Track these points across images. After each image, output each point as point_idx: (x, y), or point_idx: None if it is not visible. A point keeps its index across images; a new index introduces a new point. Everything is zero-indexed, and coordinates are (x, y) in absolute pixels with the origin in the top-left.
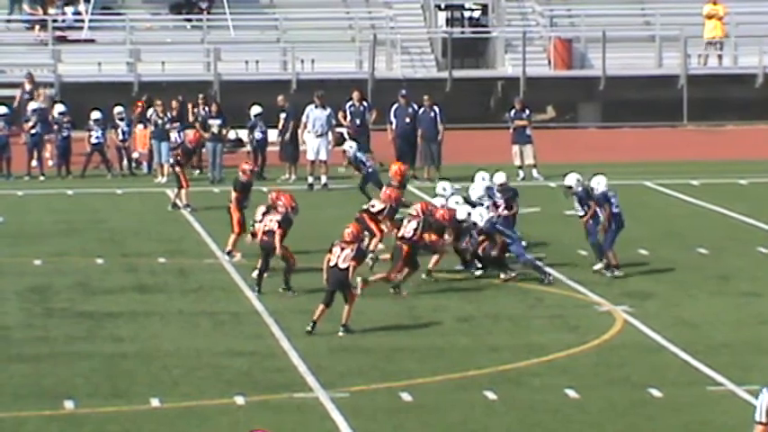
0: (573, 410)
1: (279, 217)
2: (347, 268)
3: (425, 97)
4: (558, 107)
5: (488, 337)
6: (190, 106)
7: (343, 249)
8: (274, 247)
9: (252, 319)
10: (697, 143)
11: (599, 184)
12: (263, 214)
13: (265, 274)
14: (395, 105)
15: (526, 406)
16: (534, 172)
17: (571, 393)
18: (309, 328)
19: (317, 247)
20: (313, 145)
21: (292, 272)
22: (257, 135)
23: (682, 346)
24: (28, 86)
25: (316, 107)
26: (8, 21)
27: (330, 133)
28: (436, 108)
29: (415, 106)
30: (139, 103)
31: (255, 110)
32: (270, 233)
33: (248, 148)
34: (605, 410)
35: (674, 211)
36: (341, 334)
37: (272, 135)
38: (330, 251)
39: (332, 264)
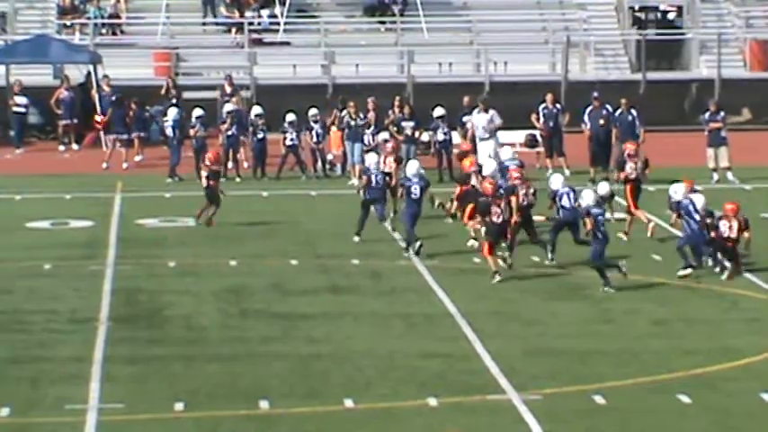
0: None
1: None
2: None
3: (623, 101)
4: (754, 109)
5: (682, 340)
6: (391, 111)
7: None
8: None
9: (445, 321)
10: None
11: (676, 192)
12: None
13: None
14: (588, 108)
15: (721, 410)
16: (729, 175)
17: (767, 398)
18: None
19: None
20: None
21: None
22: (440, 137)
23: None
24: (228, 89)
25: (478, 112)
26: (204, 24)
27: (497, 135)
28: (633, 111)
29: (609, 108)
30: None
31: (438, 112)
32: None
33: (432, 149)
34: None
35: None
36: None
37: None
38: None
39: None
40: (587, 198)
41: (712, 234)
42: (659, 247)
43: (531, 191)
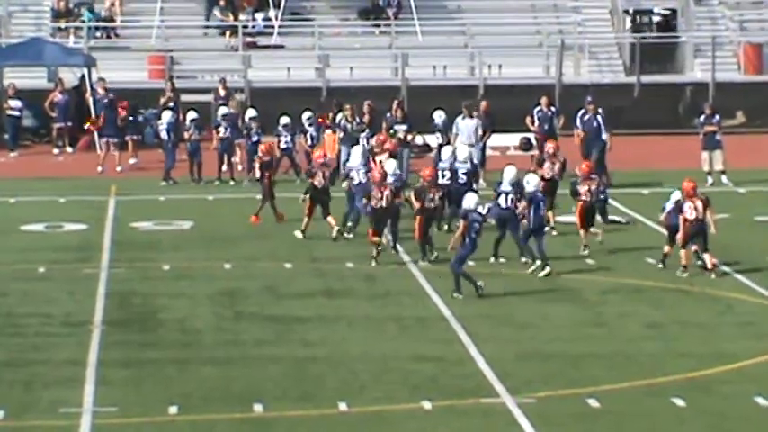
0: (763, 418)
1: None
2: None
3: (590, 107)
4: (748, 112)
5: (676, 343)
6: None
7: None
8: None
9: (439, 325)
10: None
11: (528, 183)
12: None
13: None
14: (581, 111)
15: (715, 413)
16: (723, 178)
17: (761, 401)
18: None
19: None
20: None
21: None
22: (440, 140)
23: None
24: (222, 92)
25: (463, 117)
26: (202, 27)
27: (481, 142)
28: (600, 116)
29: (601, 112)
30: (322, 118)
31: (437, 114)
32: None
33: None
34: None
35: None
36: None
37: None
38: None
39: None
40: (469, 201)
41: (682, 220)
42: (653, 249)
43: (439, 195)
